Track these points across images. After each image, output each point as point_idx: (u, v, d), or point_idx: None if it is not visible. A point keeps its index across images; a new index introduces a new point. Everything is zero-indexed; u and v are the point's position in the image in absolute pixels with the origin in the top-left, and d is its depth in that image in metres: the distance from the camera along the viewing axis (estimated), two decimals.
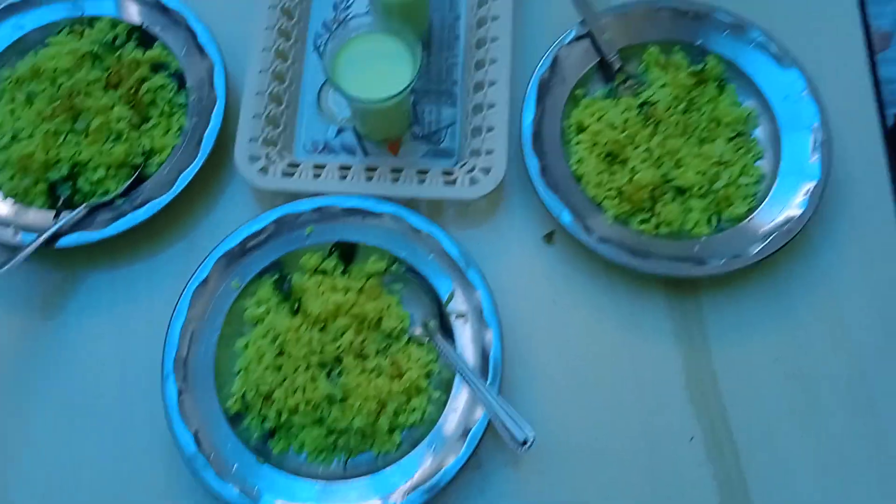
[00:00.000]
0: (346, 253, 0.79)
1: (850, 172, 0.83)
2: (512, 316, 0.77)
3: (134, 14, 0.87)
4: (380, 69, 0.74)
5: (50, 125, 0.80)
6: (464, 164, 0.81)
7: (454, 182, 0.79)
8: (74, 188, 0.81)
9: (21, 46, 0.86)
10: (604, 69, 0.85)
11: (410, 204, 0.80)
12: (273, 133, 0.82)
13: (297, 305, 0.76)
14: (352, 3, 0.90)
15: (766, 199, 0.79)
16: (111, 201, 0.80)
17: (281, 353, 0.74)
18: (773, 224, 0.77)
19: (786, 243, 0.76)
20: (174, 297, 0.75)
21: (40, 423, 0.77)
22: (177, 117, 0.84)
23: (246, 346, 0.76)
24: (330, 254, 0.79)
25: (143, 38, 0.87)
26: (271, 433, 0.73)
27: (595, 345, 0.78)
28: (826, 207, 0.80)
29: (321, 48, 0.88)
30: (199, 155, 0.80)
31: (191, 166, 0.79)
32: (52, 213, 0.80)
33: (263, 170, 0.79)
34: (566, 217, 0.77)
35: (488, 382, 0.71)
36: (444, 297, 0.76)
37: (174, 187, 0.79)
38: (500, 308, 0.74)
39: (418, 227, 0.77)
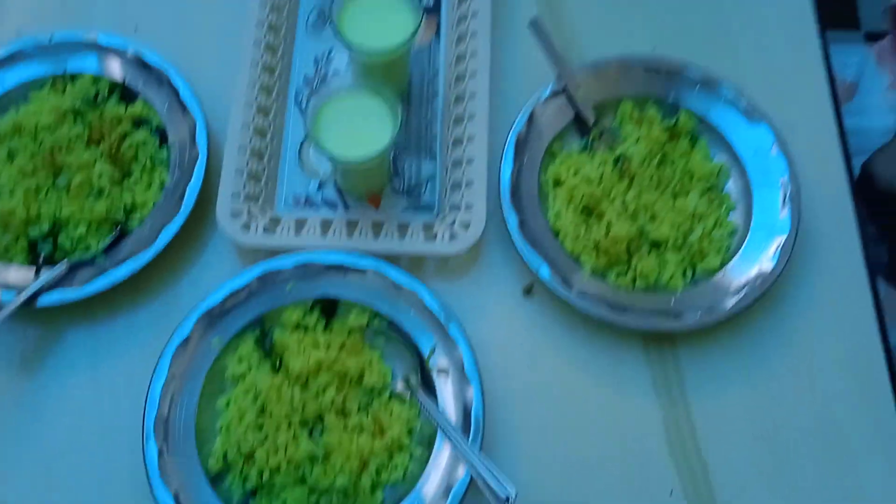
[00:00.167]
0: (328, 308, 0.79)
1: (819, 224, 0.86)
2: (492, 370, 0.78)
3: (116, 70, 0.88)
4: (361, 128, 0.76)
5: (31, 181, 0.80)
6: (443, 219, 0.83)
7: (434, 237, 0.80)
8: (55, 245, 0.81)
9: (2, 102, 0.86)
10: (579, 124, 0.87)
11: (391, 258, 0.80)
12: (255, 188, 0.83)
13: (278, 362, 0.77)
14: (333, 58, 0.92)
15: (739, 253, 0.81)
16: (92, 258, 0.80)
17: (262, 412, 0.74)
18: (746, 278, 0.79)
19: (758, 297, 0.77)
20: (155, 354, 0.75)
21: (19, 482, 0.76)
22: (158, 172, 0.84)
23: (227, 404, 0.76)
24: (311, 309, 0.79)
25: (125, 93, 0.87)
26: (253, 493, 0.73)
27: (575, 398, 0.79)
28: (797, 260, 0.82)
29: (303, 104, 0.89)
30: (180, 211, 0.80)
31: (172, 222, 0.80)
32: (33, 269, 0.80)
33: (245, 226, 0.80)
34: (545, 271, 0.78)
35: (470, 439, 0.72)
36: (426, 353, 0.77)
37: (155, 244, 0.79)
38: (481, 362, 0.75)
39: (399, 282, 0.78)
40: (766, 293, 0.78)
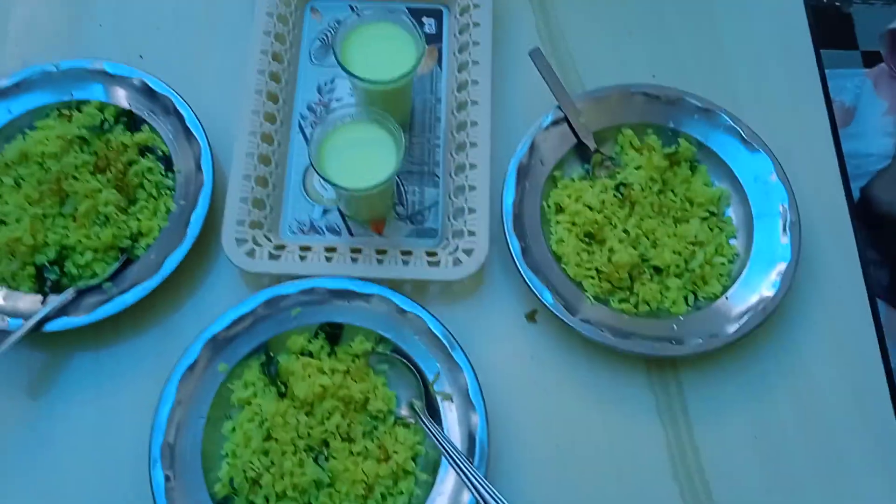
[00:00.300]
0: (333, 334, 0.80)
1: (820, 249, 0.87)
2: (496, 394, 0.78)
3: (122, 98, 0.89)
4: (364, 158, 0.77)
5: (38, 209, 0.81)
6: (447, 246, 0.83)
7: (438, 263, 0.81)
8: (62, 272, 0.81)
9: (9, 130, 0.87)
10: (580, 151, 0.88)
11: (394, 283, 0.81)
12: (259, 215, 0.84)
13: (284, 388, 0.77)
14: (336, 86, 0.93)
15: (741, 279, 0.81)
16: (99, 285, 0.80)
17: (268, 437, 0.74)
18: (747, 304, 0.80)
19: (760, 323, 0.78)
20: (160, 379, 0.76)
21: None
22: (164, 200, 0.85)
23: (233, 429, 0.76)
24: (316, 335, 0.80)
25: (131, 121, 0.88)
26: None
27: (579, 423, 0.80)
28: (798, 286, 0.83)
29: (307, 131, 0.90)
30: (186, 238, 0.81)
31: (178, 249, 0.81)
32: (40, 296, 0.80)
33: (250, 253, 0.81)
34: (548, 297, 0.79)
35: (475, 464, 0.72)
36: (430, 378, 0.77)
37: (161, 270, 0.80)
38: (485, 386, 0.76)
39: (404, 308, 0.79)
40: (768, 319, 0.79)
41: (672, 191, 0.85)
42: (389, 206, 0.86)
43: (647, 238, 0.83)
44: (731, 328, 0.78)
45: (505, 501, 0.67)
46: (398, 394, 0.78)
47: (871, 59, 1.54)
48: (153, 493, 0.71)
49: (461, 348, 0.77)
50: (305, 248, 0.83)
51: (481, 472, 0.72)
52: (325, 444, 0.75)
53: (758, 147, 0.85)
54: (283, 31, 0.92)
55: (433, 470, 0.74)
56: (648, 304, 0.81)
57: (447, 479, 0.73)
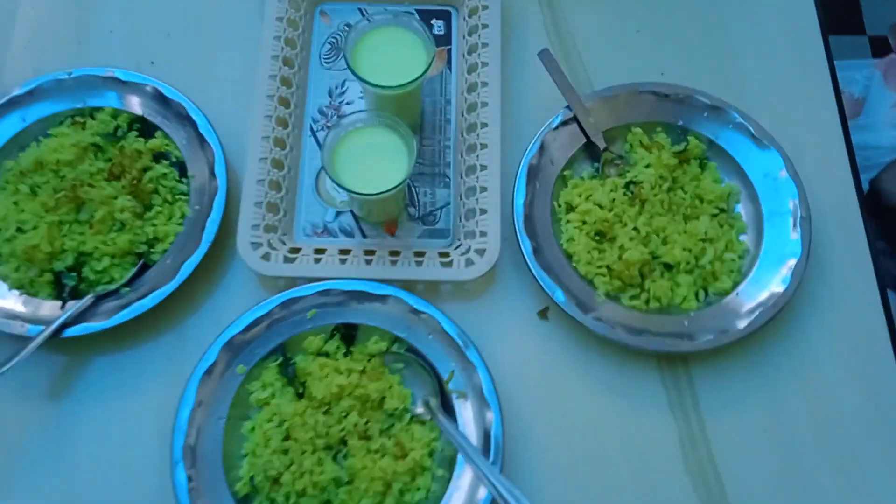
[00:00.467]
0: (348, 334, 0.81)
1: (830, 242, 0.87)
2: (510, 392, 0.79)
3: (135, 105, 0.90)
4: (377, 162, 0.78)
5: (54, 216, 0.82)
6: (459, 246, 0.84)
7: (450, 264, 0.82)
8: (80, 278, 0.82)
9: (23, 138, 0.88)
10: (590, 150, 0.89)
11: (407, 284, 0.82)
12: (273, 219, 0.84)
13: (301, 388, 0.78)
14: (346, 89, 0.93)
15: (751, 275, 0.82)
16: (116, 290, 0.82)
17: (287, 438, 0.75)
18: (758, 300, 0.80)
19: (771, 318, 0.79)
20: (179, 381, 0.77)
21: None
22: (179, 205, 0.86)
23: (252, 429, 0.77)
24: (332, 336, 0.81)
25: (145, 127, 0.89)
26: None
27: (592, 419, 0.81)
28: (809, 280, 0.84)
29: (320, 138, 0.91)
30: (202, 242, 0.82)
31: (194, 254, 0.82)
32: (58, 303, 0.81)
33: (265, 257, 0.82)
34: (560, 295, 0.80)
35: (490, 461, 0.73)
36: (445, 376, 0.78)
37: (178, 275, 0.81)
38: (499, 384, 0.77)
39: (418, 308, 0.80)
40: (778, 314, 0.79)
41: (682, 188, 0.86)
42: (401, 208, 0.87)
43: (658, 235, 0.83)
44: (742, 324, 0.79)
45: (520, 495, 0.68)
46: (414, 392, 0.79)
47: (879, 46, 1.54)
48: (176, 494, 0.73)
49: (475, 347, 0.78)
50: (320, 251, 0.84)
51: (496, 467, 0.73)
52: (343, 442, 0.76)
53: (767, 143, 0.86)
54: (292, 36, 0.92)
55: (449, 466, 0.76)
56: (659, 301, 0.82)
57: (464, 475, 0.74)
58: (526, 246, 0.82)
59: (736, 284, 0.82)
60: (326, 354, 0.80)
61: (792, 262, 0.81)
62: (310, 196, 0.89)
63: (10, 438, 0.80)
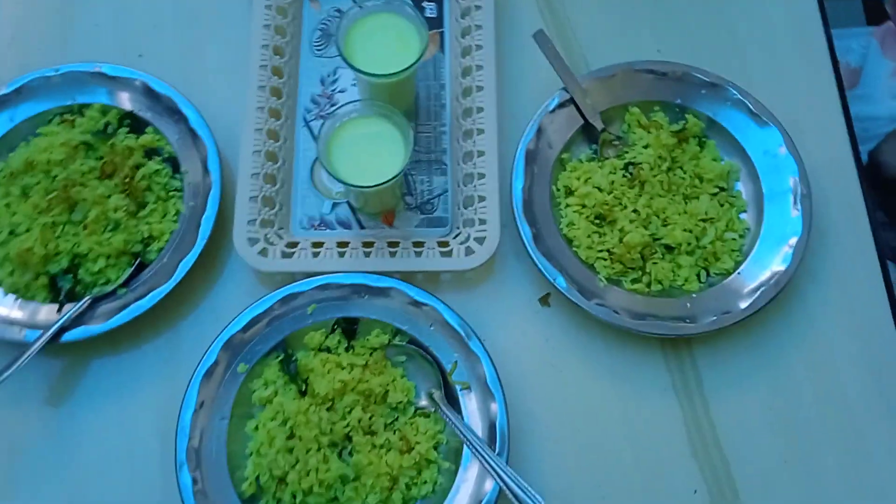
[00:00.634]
0: (349, 328, 0.80)
1: (830, 218, 0.87)
2: (514, 379, 0.79)
3: (124, 100, 0.88)
4: (373, 154, 0.77)
5: (47, 218, 0.81)
6: (458, 235, 0.83)
7: (450, 253, 0.81)
8: (75, 280, 0.81)
9: (12, 138, 0.87)
10: (588, 131, 0.88)
11: (406, 274, 0.82)
12: (269, 213, 0.83)
13: (304, 385, 0.78)
14: (339, 77, 0.92)
15: (752, 254, 0.82)
16: (113, 291, 0.81)
17: (292, 435, 0.75)
18: (760, 279, 0.80)
19: (773, 297, 0.78)
20: (180, 381, 0.76)
21: None
22: (173, 202, 0.85)
23: (256, 428, 0.77)
24: (333, 330, 0.80)
25: (135, 123, 0.88)
26: None
27: (596, 404, 0.80)
28: (810, 257, 0.83)
29: (312, 124, 0.90)
30: (198, 240, 0.81)
31: (191, 252, 0.81)
32: (55, 306, 0.81)
33: (263, 252, 0.81)
34: (561, 282, 0.79)
35: (496, 452, 0.73)
36: (448, 368, 0.78)
37: (175, 274, 0.80)
38: (502, 372, 0.76)
39: (418, 299, 0.79)
40: (781, 292, 0.79)
41: (681, 168, 0.85)
42: (399, 198, 0.86)
43: (658, 217, 0.82)
44: (744, 304, 0.79)
45: (527, 486, 0.68)
46: (417, 384, 0.79)
47: (873, 11, 1.51)
48: (181, 496, 0.72)
49: (477, 337, 0.77)
50: (318, 245, 0.83)
51: (503, 458, 0.73)
52: (348, 438, 0.76)
53: (767, 120, 0.84)
54: (282, 24, 0.91)
55: (455, 458, 0.75)
56: (661, 283, 0.81)
57: (471, 467, 0.74)
58: (526, 232, 0.81)
59: (737, 264, 0.82)
60: (328, 349, 0.80)
61: (793, 241, 0.80)
62: (305, 188, 0.87)
63: (11, 444, 0.79)
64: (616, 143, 0.87)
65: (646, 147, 0.85)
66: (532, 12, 0.96)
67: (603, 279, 0.81)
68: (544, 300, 0.84)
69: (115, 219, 0.82)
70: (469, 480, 0.74)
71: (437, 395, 0.77)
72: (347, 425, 0.75)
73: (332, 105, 0.91)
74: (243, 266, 0.84)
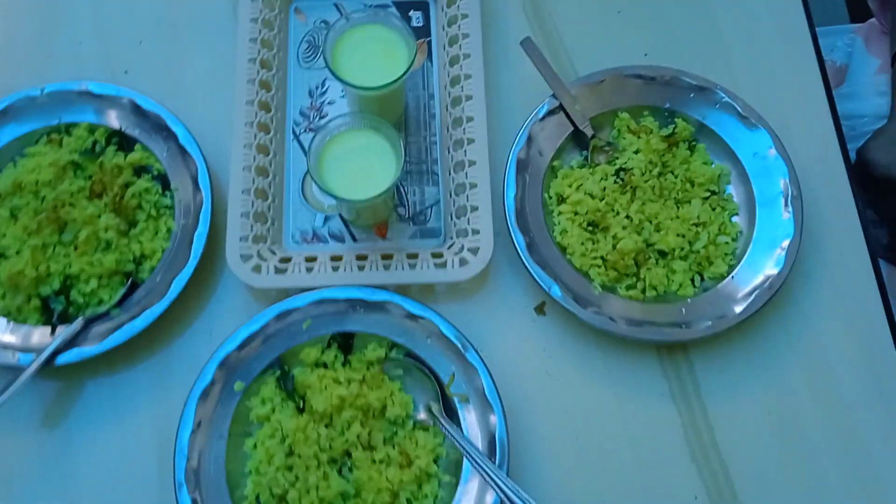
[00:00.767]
0: (345, 343, 0.80)
1: (821, 218, 0.87)
2: (511, 389, 0.79)
3: (111, 118, 0.87)
4: (364, 166, 0.76)
5: (37, 240, 0.80)
6: (451, 245, 0.83)
7: (444, 265, 0.81)
8: (68, 301, 0.81)
9: None
10: (578, 138, 0.88)
11: (401, 286, 0.81)
12: (262, 229, 0.83)
13: (301, 402, 0.77)
14: (326, 88, 0.92)
15: (745, 257, 0.82)
16: (106, 312, 0.80)
17: (291, 453, 0.75)
18: (754, 283, 0.80)
19: (767, 300, 0.79)
20: (176, 400, 0.76)
21: None
22: (164, 220, 0.84)
23: (255, 446, 0.77)
24: (329, 345, 0.80)
25: (123, 141, 0.87)
26: None
27: (594, 412, 0.80)
28: (802, 259, 0.83)
29: (304, 141, 0.89)
30: (190, 258, 0.81)
31: (184, 270, 0.80)
32: (48, 328, 0.80)
33: (256, 269, 0.80)
34: (556, 291, 0.79)
35: (496, 463, 0.73)
36: (445, 380, 0.78)
37: (169, 293, 0.79)
38: (499, 382, 0.76)
39: (414, 312, 0.79)
40: (775, 295, 0.79)
41: (672, 172, 0.85)
42: (391, 209, 0.86)
43: (650, 222, 0.83)
44: (739, 308, 0.79)
45: (528, 498, 0.67)
46: (415, 398, 0.78)
47: (855, 8, 1.52)
48: None
49: (474, 349, 0.77)
50: (311, 259, 0.82)
51: (503, 470, 0.73)
52: (348, 454, 0.76)
53: (755, 122, 0.85)
54: (268, 37, 0.90)
55: (456, 471, 0.75)
56: (655, 289, 0.81)
57: (471, 480, 0.74)
58: (519, 241, 0.81)
59: (731, 268, 0.82)
60: (325, 365, 0.79)
61: (785, 243, 0.80)
62: (297, 202, 0.87)
63: (7, 468, 0.79)
64: (607, 149, 0.87)
65: (636, 152, 0.85)
66: (519, 20, 0.96)
67: (597, 286, 0.81)
68: (539, 309, 0.84)
69: (105, 238, 0.81)
70: (470, 493, 0.74)
71: (436, 407, 0.77)
72: (346, 441, 0.75)
73: (322, 117, 0.90)
74: (237, 283, 0.83)
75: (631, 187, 0.84)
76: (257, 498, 0.74)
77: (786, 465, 0.79)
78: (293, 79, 0.92)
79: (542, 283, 0.79)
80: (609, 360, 0.82)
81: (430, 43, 0.93)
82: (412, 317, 0.79)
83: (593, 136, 0.87)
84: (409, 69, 0.77)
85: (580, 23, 0.96)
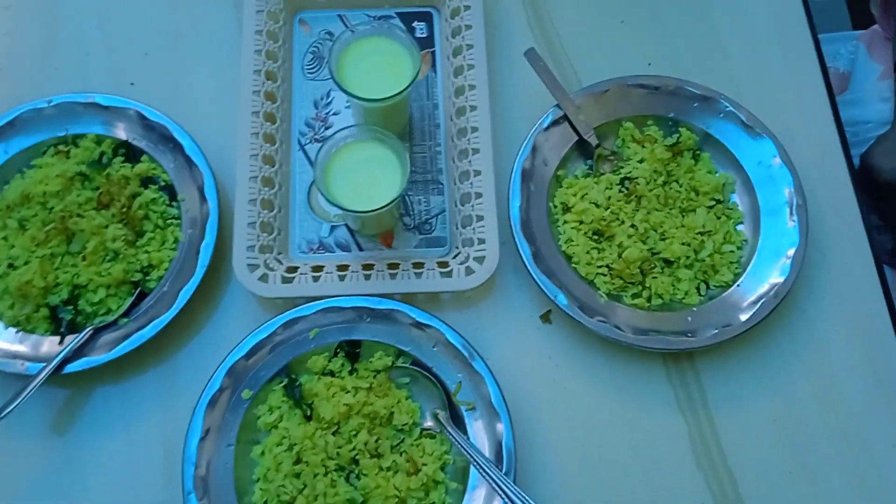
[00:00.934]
0: (352, 351, 0.81)
1: (826, 225, 0.88)
2: (517, 397, 0.79)
3: (118, 129, 0.88)
4: (370, 177, 0.77)
5: (45, 250, 0.81)
6: (457, 255, 0.84)
7: (450, 273, 0.81)
8: (76, 311, 0.81)
9: (6, 171, 0.87)
10: (582, 148, 0.88)
11: (407, 294, 0.82)
12: (268, 239, 0.83)
13: (309, 409, 0.78)
14: (331, 99, 0.92)
15: (751, 266, 0.82)
16: (115, 321, 0.81)
17: (298, 461, 0.75)
18: (759, 291, 0.80)
19: (773, 309, 0.79)
20: (184, 408, 0.77)
21: None
22: (171, 230, 0.85)
23: (262, 453, 0.77)
24: (336, 353, 0.80)
25: (130, 152, 0.88)
26: None
27: (601, 420, 0.81)
28: (808, 267, 0.84)
29: (309, 152, 0.90)
30: (197, 267, 0.81)
31: (191, 280, 0.81)
32: (56, 338, 0.80)
33: (263, 278, 0.81)
34: (562, 299, 0.79)
35: (504, 471, 0.73)
36: (452, 388, 0.78)
37: (176, 302, 0.80)
38: (505, 390, 0.76)
39: (421, 321, 0.79)
40: (780, 303, 0.79)
41: (677, 181, 0.86)
42: (397, 219, 0.87)
43: (656, 231, 0.83)
44: (745, 316, 0.79)
45: None
46: (422, 406, 0.79)
47: (858, 14, 1.52)
48: None
49: (481, 357, 0.77)
50: (318, 268, 0.83)
51: (510, 477, 0.73)
52: (355, 461, 0.76)
53: (759, 131, 0.85)
54: (273, 49, 0.91)
55: (463, 478, 0.76)
56: (661, 298, 0.82)
57: (479, 487, 0.74)
58: (525, 250, 0.81)
59: (736, 276, 0.82)
60: (332, 373, 0.80)
61: (791, 252, 0.81)
62: (303, 212, 0.88)
63: (17, 475, 0.79)
64: (611, 158, 0.88)
65: (641, 161, 0.86)
66: (522, 30, 0.96)
67: (603, 295, 0.82)
68: (545, 317, 0.84)
69: (113, 248, 0.82)
70: (477, 501, 0.74)
71: (443, 415, 0.77)
72: (354, 449, 0.76)
73: (327, 128, 0.91)
74: (244, 292, 0.84)
75: (636, 196, 0.84)
76: None
77: (792, 473, 0.79)
78: (298, 90, 0.93)
79: (547, 292, 0.80)
80: (615, 368, 0.82)
81: (434, 54, 0.94)
82: (419, 325, 0.79)
83: (598, 146, 0.87)
84: (413, 80, 0.78)
85: (583, 33, 0.96)
